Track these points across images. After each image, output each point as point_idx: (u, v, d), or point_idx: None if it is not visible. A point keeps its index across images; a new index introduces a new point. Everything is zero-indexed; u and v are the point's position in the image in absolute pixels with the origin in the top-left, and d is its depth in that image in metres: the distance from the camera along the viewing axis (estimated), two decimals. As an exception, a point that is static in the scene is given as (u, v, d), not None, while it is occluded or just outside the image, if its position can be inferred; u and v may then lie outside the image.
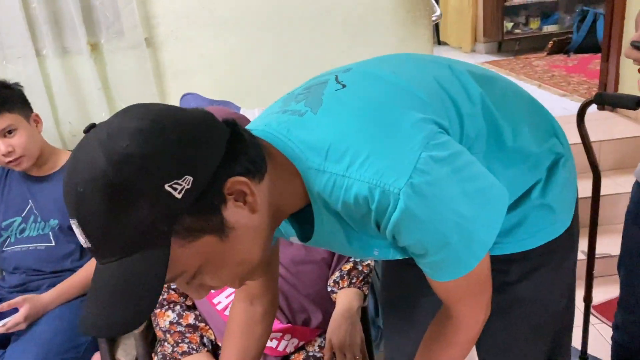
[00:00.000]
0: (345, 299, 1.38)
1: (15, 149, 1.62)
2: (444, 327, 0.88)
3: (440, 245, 0.74)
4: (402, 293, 1.17)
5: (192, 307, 1.45)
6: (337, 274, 1.45)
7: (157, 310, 1.44)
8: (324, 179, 0.73)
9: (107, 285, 0.64)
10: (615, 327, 1.55)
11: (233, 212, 0.67)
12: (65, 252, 1.72)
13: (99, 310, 0.65)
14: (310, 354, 1.39)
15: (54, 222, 1.71)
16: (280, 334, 1.38)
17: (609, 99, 1.48)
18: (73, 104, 2.01)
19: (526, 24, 5.63)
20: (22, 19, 1.92)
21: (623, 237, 1.42)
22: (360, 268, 1.46)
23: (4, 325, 1.48)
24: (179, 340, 1.39)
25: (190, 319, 1.41)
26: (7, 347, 1.56)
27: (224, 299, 1.40)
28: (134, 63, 2.01)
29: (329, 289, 1.44)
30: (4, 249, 1.74)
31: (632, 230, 1.37)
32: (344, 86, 0.82)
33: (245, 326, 1.10)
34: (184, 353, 1.37)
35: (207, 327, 1.41)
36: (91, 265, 1.70)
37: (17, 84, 1.72)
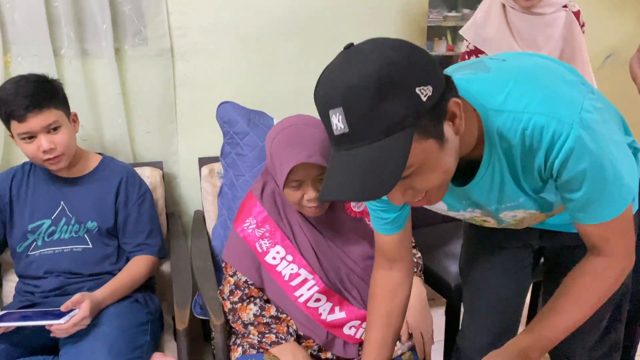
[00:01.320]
0: (415, 286, 1.55)
1: (57, 146, 1.59)
2: (592, 263, 1.01)
3: (598, 179, 0.89)
4: (485, 267, 1.37)
5: (269, 301, 1.52)
6: None
7: (239, 305, 1.49)
8: (503, 117, 0.90)
9: (355, 163, 0.79)
10: None
11: (447, 129, 0.84)
12: (103, 254, 1.69)
13: (342, 182, 0.80)
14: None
15: (91, 224, 1.68)
16: (359, 322, 1.51)
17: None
18: (88, 107, 1.97)
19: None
20: (42, 15, 1.86)
21: None
22: (416, 260, 1.63)
23: (68, 321, 1.43)
24: (266, 331, 1.46)
25: (273, 311, 1.49)
26: (58, 353, 1.50)
27: (305, 291, 1.49)
28: (155, 71, 2.03)
29: None
30: (29, 252, 1.66)
31: None
32: (504, 60, 1.01)
33: (388, 291, 1.23)
34: (272, 343, 1.44)
35: (289, 318, 1.49)
36: (134, 265, 1.69)
37: (58, 80, 1.68)
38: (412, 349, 1.51)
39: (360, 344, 1.51)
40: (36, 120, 1.53)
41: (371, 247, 1.58)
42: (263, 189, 1.57)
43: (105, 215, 1.70)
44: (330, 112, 0.79)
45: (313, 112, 1.04)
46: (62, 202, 1.69)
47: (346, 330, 1.51)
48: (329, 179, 0.84)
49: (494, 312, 1.41)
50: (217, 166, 2.04)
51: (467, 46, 1.85)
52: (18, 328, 1.48)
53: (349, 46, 0.82)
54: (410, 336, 1.50)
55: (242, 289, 1.50)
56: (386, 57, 0.77)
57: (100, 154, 1.81)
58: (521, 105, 0.89)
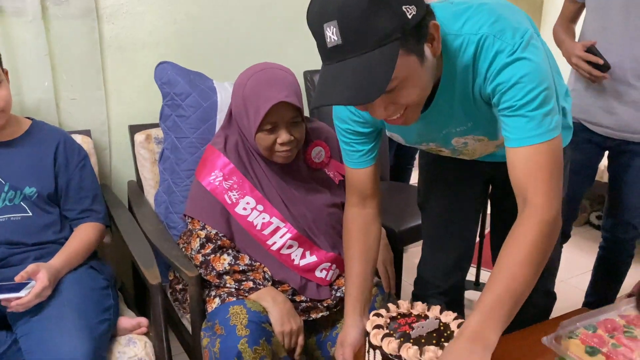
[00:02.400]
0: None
1: None
2: (521, 215, 1.02)
3: (530, 92, 0.98)
4: (443, 197, 1.50)
5: (240, 252, 1.53)
6: None
7: (212, 257, 1.48)
8: (459, 40, 1.02)
9: (347, 72, 0.88)
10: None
11: (426, 49, 0.96)
12: (45, 222, 1.57)
13: (334, 90, 0.90)
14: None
15: (30, 190, 1.56)
16: (329, 264, 1.57)
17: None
18: (11, 69, 1.81)
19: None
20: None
21: None
22: None
23: (28, 294, 1.32)
24: (243, 279, 1.47)
25: (247, 260, 1.50)
26: (13, 329, 1.38)
27: (278, 239, 1.52)
28: (81, 33, 1.92)
29: None
30: (-40, 223, 1.51)
31: None
32: None
33: (364, 227, 1.32)
34: (250, 289, 1.45)
35: (263, 266, 1.51)
36: (84, 232, 1.60)
37: None
38: (377, 285, 1.60)
39: (331, 285, 1.58)
40: None
41: (332, 196, 1.64)
42: (226, 142, 1.56)
43: (44, 180, 1.58)
44: (325, 25, 0.87)
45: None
46: None
47: (318, 273, 1.56)
48: (321, 88, 0.92)
49: (451, 238, 1.54)
50: (154, 132, 1.97)
51: None
52: None
53: None
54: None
55: (214, 241, 1.49)
56: None
57: (29, 118, 1.68)
58: (475, 29, 1.01)
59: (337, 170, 1.66)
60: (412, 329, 1.09)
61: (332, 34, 0.87)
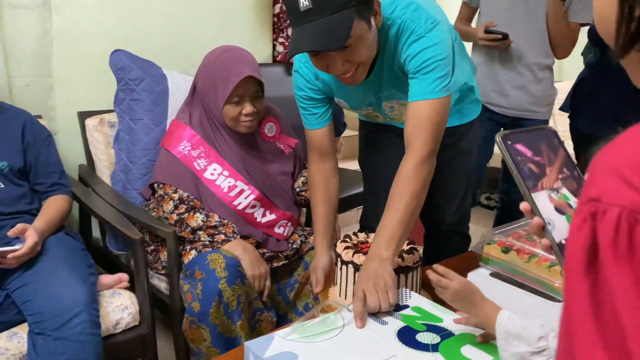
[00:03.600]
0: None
1: None
2: (404, 158, 1.34)
3: (426, 65, 1.30)
4: (379, 157, 1.80)
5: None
6: (301, 179, 1.95)
7: (185, 215, 1.67)
8: (389, 23, 1.33)
9: (318, 29, 1.18)
10: None
11: (372, 20, 1.27)
12: (17, 194, 1.67)
13: (308, 41, 1.20)
14: (299, 233, 1.87)
15: (1, 163, 1.65)
16: (286, 221, 1.82)
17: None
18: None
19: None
20: None
21: None
22: None
23: (23, 246, 1.44)
24: (215, 233, 1.67)
25: (216, 217, 1.70)
26: (4, 285, 1.48)
27: (243, 200, 1.75)
28: (34, 23, 2.02)
29: (298, 189, 1.92)
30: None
31: None
32: None
33: (325, 179, 1.58)
34: (223, 241, 1.66)
35: (231, 223, 1.72)
36: (56, 202, 1.71)
37: None
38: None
39: (287, 239, 1.82)
40: None
41: (282, 165, 1.90)
42: (190, 117, 1.77)
43: (14, 154, 1.68)
44: None
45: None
46: None
47: (277, 229, 1.80)
48: (295, 42, 1.21)
49: (387, 189, 1.84)
50: (107, 116, 2.10)
51: None
52: None
53: None
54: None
55: (187, 202, 1.69)
56: None
57: (-6, 101, 1.77)
58: (400, 13, 1.34)
59: (286, 143, 1.92)
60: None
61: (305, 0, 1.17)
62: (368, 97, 1.52)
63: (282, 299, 1.81)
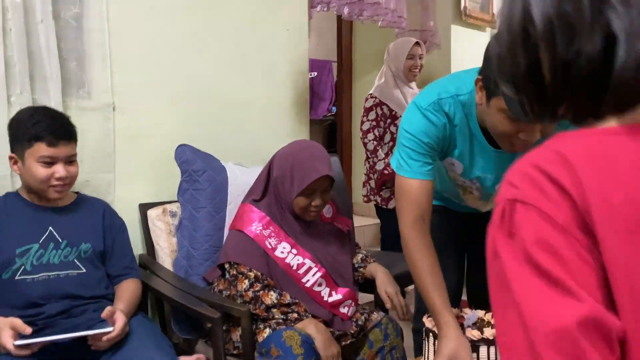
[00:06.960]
0: (379, 266, 1.98)
1: (70, 176, 1.69)
2: None
3: None
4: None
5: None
6: (359, 256, 2.02)
7: (261, 292, 1.74)
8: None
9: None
10: None
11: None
12: (97, 277, 1.75)
13: None
14: (361, 311, 1.91)
15: (85, 245, 1.74)
16: (351, 301, 1.87)
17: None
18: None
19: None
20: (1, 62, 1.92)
21: None
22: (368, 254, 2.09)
23: (114, 329, 1.49)
24: (288, 311, 1.72)
25: (288, 297, 1.76)
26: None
27: (311, 277, 1.82)
28: (98, 123, 2.18)
29: (357, 265, 2.00)
30: (17, 277, 1.64)
31: None
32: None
33: (429, 242, 1.46)
34: (296, 319, 1.72)
35: (301, 302, 1.78)
36: (130, 287, 1.78)
37: None
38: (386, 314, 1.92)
39: (350, 318, 1.86)
40: (65, 149, 1.64)
41: (342, 244, 1.98)
42: (259, 201, 1.89)
43: (97, 237, 1.78)
44: None
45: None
46: (50, 228, 1.71)
47: (342, 309, 1.85)
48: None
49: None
50: (169, 206, 2.21)
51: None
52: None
53: None
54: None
55: (262, 280, 1.76)
56: None
57: (74, 192, 1.89)
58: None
59: (343, 223, 2.02)
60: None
61: None
62: (495, 169, 1.49)
63: (350, 377, 1.82)
